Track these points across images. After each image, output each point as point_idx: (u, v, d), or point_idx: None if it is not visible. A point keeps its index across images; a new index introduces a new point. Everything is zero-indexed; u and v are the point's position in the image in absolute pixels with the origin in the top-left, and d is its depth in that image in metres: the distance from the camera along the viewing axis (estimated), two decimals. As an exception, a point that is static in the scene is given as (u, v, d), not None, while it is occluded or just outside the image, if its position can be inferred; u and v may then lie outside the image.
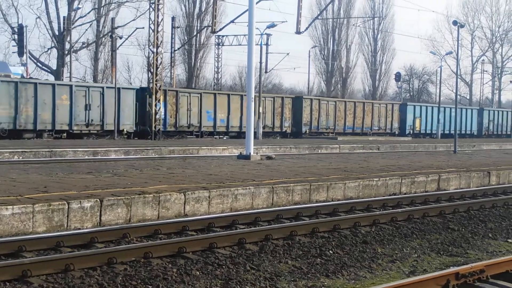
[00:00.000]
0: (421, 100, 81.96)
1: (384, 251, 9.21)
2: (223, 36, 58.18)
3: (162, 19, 36.75)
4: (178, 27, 59.17)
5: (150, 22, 36.80)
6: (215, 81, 62.51)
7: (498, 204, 14.11)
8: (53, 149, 22.99)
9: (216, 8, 45.52)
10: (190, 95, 39.57)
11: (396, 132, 54.49)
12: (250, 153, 21.18)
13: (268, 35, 50.73)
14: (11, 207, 9.23)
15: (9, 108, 31.57)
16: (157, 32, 36.31)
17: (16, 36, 48.70)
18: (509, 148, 41.03)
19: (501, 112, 67.48)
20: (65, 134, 34.10)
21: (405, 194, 15.53)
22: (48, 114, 32.96)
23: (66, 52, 52.80)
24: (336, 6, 76.55)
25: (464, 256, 9.10)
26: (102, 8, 58.10)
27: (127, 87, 37.68)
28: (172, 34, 55.58)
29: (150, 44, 37.68)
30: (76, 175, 14.14)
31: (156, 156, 24.52)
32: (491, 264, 7.60)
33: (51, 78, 52.63)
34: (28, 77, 42.46)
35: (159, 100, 36.43)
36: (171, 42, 55.48)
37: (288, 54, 55.36)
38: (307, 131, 46.89)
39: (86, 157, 22.84)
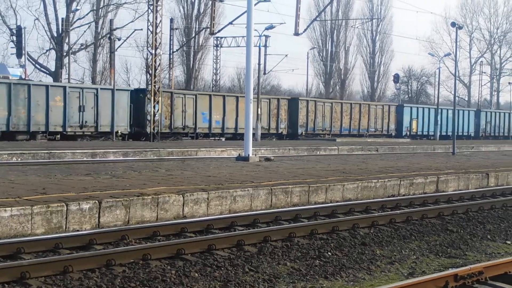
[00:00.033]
0: (420, 101, 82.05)
1: (382, 252, 9.21)
2: (221, 37, 58.21)
3: (160, 21, 36.78)
4: (176, 29, 59.24)
5: (149, 23, 36.79)
6: (213, 82, 62.50)
7: (497, 205, 14.12)
8: (52, 151, 22.98)
9: (214, 10, 45.58)
10: (185, 97, 39.47)
11: (393, 134, 54.52)
12: (248, 155, 21.18)
13: (267, 36, 50.71)
14: (9, 208, 9.22)
15: (2, 110, 31.46)
16: (156, 33, 36.31)
17: (14, 38, 48.61)
18: (508, 150, 41.07)
19: (498, 113, 67.50)
20: (58, 136, 33.92)
21: (403, 195, 15.53)
22: (42, 115, 32.80)
23: (65, 53, 52.82)
24: (335, 8, 76.77)
25: (462, 258, 9.10)
26: (100, 10, 58.13)
27: (122, 88, 37.55)
28: (170, 35, 55.66)
29: (148, 45, 37.66)
30: (74, 177, 14.14)
31: (155, 157, 24.52)
32: (490, 266, 7.60)
33: (49, 80, 52.71)
34: (26, 78, 42.44)
35: (157, 102, 36.41)
36: (170, 44, 55.59)
37: (286, 55, 55.46)
38: (303, 132, 46.86)
39: (85, 159, 22.84)
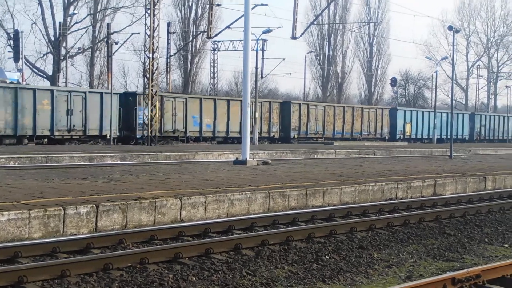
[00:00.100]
0: (417, 105, 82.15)
1: (380, 256, 9.21)
2: (219, 41, 58.32)
3: (158, 25, 36.85)
4: (174, 33, 59.28)
5: (146, 27, 36.84)
6: (211, 86, 62.58)
7: (494, 209, 14.13)
8: (49, 155, 22.96)
9: (212, 14, 45.58)
10: (175, 100, 39.31)
11: (386, 137, 54.53)
12: (246, 158, 21.17)
13: (264, 40, 50.81)
14: (7, 213, 9.21)
15: (-12, 114, 31.14)
16: (153, 37, 36.34)
17: (11, 42, 48.63)
18: (505, 153, 41.09)
19: (493, 117, 67.57)
20: (46, 140, 33.62)
21: (401, 199, 15.53)
22: (29, 119, 32.49)
23: (62, 57, 52.80)
24: (332, 12, 76.84)
25: (460, 261, 9.10)
26: (98, 14, 58.17)
27: (110, 92, 37.36)
28: (168, 39, 55.73)
29: (146, 49, 37.73)
30: (72, 181, 14.12)
31: (152, 161, 24.50)
32: (487, 269, 7.61)
33: (47, 84, 52.68)
34: (24, 82, 42.39)
35: (154, 106, 36.39)
36: (167, 48, 55.65)
37: (284, 59, 55.49)
38: (296, 136, 46.82)
39: (82, 163, 22.81)
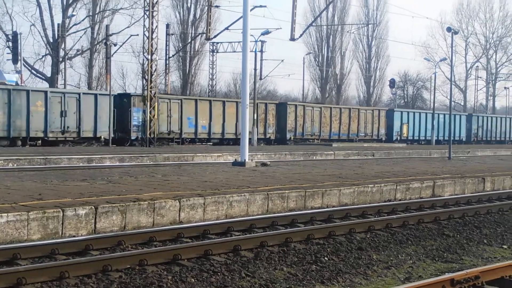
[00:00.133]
0: (416, 106, 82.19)
1: (379, 257, 9.21)
2: (217, 43, 58.32)
3: (156, 26, 36.83)
4: (172, 34, 59.29)
5: (145, 29, 36.84)
6: (209, 88, 62.58)
7: (493, 210, 14.14)
8: (48, 157, 22.94)
9: (210, 15, 45.55)
10: (170, 101, 39.17)
11: (383, 139, 54.49)
12: (245, 160, 21.17)
13: (263, 42, 50.86)
14: (5, 214, 9.20)
15: (-18, 115, 31.04)
16: (152, 39, 36.34)
17: (10, 43, 48.67)
18: (504, 154, 41.15)
19: (490, 118, 67.58)
20: (39, 142, 33.42)
21: (400, 200, 15.54)
22: (22, 120, 32.30)
23: (61, 59, 52.79)
24: (331, 13, 76.78)
25: (459, 263, 9.11)
26: (96, 15, 58.13)
27: (105, 93, 36.95)
28: (166, 41, 55.68)
29: (144, 51, 37.70)
30: (70, 182, 14.12)
31: (151, 163, 24.50)
32: (486, 271, 7.61)
33: (45, 85, 52.62)
34: (22, 84, 42.37)
35: (153, 107, 36.38)
36: (166, 49, 55.59)
37: (282, 60, 55.58)
38: (292, 137, 46.75)
39: (81, 164, 22.81)
